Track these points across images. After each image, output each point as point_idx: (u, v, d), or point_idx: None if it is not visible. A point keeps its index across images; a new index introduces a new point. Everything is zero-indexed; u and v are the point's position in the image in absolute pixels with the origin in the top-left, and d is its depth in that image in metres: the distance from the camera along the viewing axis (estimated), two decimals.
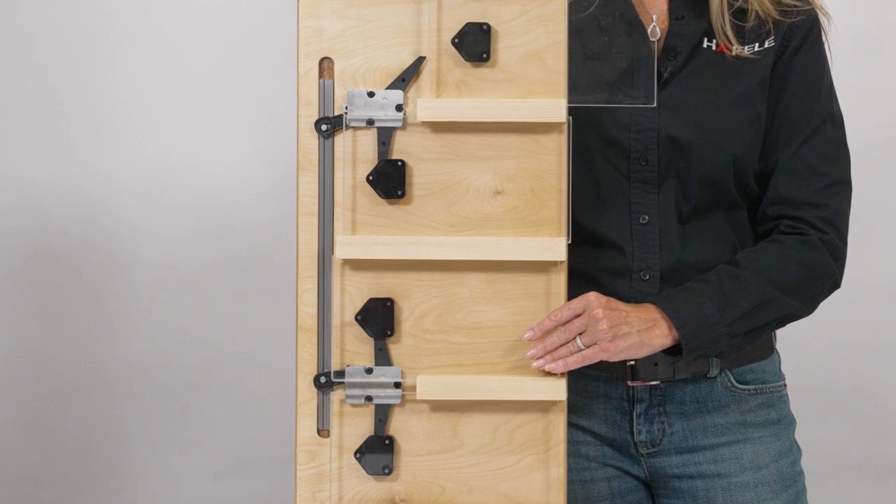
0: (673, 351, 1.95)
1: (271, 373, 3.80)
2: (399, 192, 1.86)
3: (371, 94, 1.85)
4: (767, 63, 2.02)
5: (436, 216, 1.87)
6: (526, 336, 1.86)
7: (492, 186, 1.87)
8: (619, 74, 2.00)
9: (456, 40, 1.85)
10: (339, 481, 1.89)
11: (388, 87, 1.86)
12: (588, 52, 1.99)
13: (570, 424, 2.05)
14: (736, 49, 2.01)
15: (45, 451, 3.99)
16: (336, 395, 1.88)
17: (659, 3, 2.03)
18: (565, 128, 1.86)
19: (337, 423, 1.89)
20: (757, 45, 2.01)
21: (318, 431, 1.89)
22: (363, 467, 1.88)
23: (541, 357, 1.86)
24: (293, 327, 1.89)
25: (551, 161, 1.86)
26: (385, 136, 1.86)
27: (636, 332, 1.90)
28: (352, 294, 1.88)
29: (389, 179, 1.86)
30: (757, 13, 2.01)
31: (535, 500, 1.88)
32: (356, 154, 1.87)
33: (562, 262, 1.86)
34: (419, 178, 1.87)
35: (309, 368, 1.88)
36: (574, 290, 1.90)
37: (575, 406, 2.07)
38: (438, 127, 1.86)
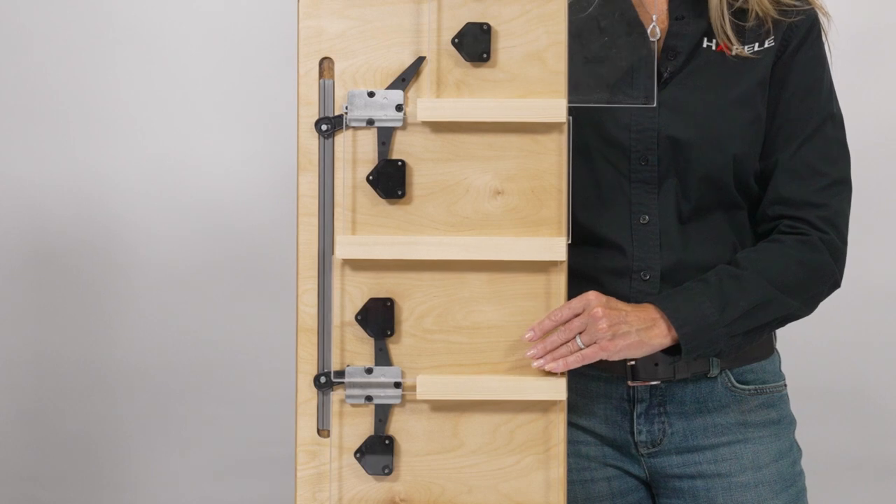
0: (672, 351, 1.95)
1: (271, 373, 3.79)
2: (399, 192, 1.86)
3: (371, 94, 1.85)
4: (767, 63, 2.02)
5: (436, 216, 1.87)
6: (526, 336, 1.86)
7: (492, 186, 1.87)
8: (619, 74, 2.00)
9: (456, 40, 1.85)
10: (339, 481, 1.89)
11: (388, 87, 1.86)
12: (588, 53, 1.99)
13: (571, 424, 2.05)
14: (736, 49, 2.01)
15: (45, 451, 3.99)
16: (336, 395, 1.88)
17: (659, 3, 2.03)
18: (565, 128, 1.86)
19: (337, 423, 1.89)
20: (757, 44, 2.01)
21: (318, 431, 1.89)
22: (363, 467, 1.88)
23: (541, 357, 1.86)
24: (293, 327, 1.89)
25: (551, 161, 1.86)
26: (385, 136, 1.86)
27: (635, 331, 1.90)
28: (352, 294, 1.88)
29: (389, 179, 1.86)
30: (756, 13, 2.01)
31: (535, 500, 1.88)
32: (356, 154, 1.87)
33: (562, 262, 1.86)
34: (419, 178, 1.87)
35: (309, 368, 1.88)
36: (574, 290, 1.90)
37: (575, 406, 2.07)
38: (438, 127, 1.86)
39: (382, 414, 1.88)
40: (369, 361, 1.88)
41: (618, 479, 2.09)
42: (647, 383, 2.04)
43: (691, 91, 2.01)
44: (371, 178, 1.86)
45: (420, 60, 1.85)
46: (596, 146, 2.01)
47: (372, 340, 1.88)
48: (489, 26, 1.84)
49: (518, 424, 1.88)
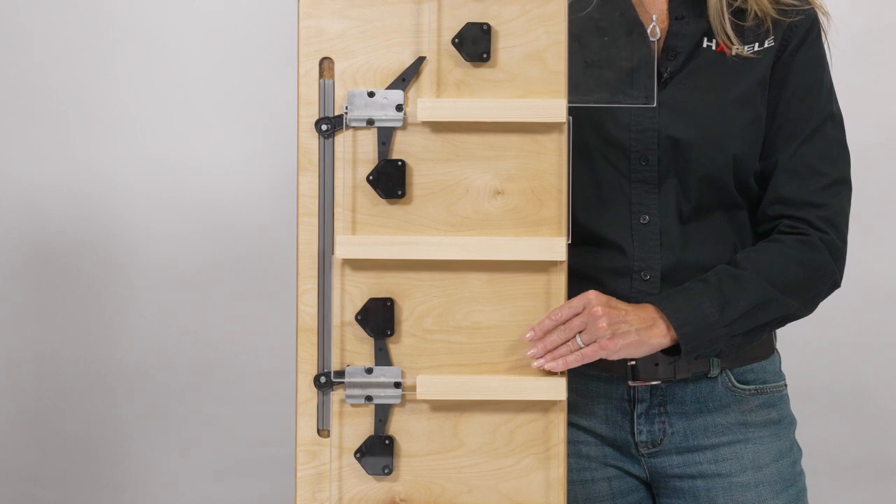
0: (672, 351, 1.95)
1: (271, 373, 3.79)
2: (399, 192, 1.86)
3: (371, 94, 1.85)
4: (767, 63, 2.02)
5: (436, 216, 1.87)
6: (527, 336, 1.86)
7: (492, 186, 1.87)
8: (619, 74, 2.00)
9: (456, 40, 1.85)
10: (339, 481, 1.89)
11: (388, 87, 1.86)
12: (588, 53, 1.99)
13: (571, 424, 2.05)
14: (736, 49, 2.01)
15: (45, 451, 3.99)
16: (336, 395, 1.88)
17: (659, 3, 2.03)
18: (565, 128, 1.86)
19: (337, 423, 1.88)
20: (757, 44, 2.01)
21: (318, 431, 1.89)
22: (363, 467, 1.88)
23: (541, 356, 1.86)
24: (293, 327, 1.89)
25: (551, 161, 1.86)
26: (385, 136, 1.86)
27: (635, 330, 1.90)
28: (352, 294, 1.88)
29: (390, 179, 1.86)
30: (755, 12, 2.01)
31: (535, 500, 1.88)
32: (356, 154, 1.87)
33: (562, 261, 1.86)
34: (419, 178, 1.87)
35: (309, 368, 1.88)
36: (574, 290, 1.90)
37: (575, 406, 2.07)
38: (438, 127, 1.86)
39: (382, 414, 1.88)
40: (369, 361, 1.88)
41: (618, 479, 2.09)
42: (647, 383, 2.04)
43: (691, 91, 2.01)
44: (371, 178, 1.86)
45: (420, 60, 1.85)
46: (596, 146, 2.01)
47: (372, 340, 1.87)
48: (489, 26, 1.84)
49: (518, 424, 1.88)
